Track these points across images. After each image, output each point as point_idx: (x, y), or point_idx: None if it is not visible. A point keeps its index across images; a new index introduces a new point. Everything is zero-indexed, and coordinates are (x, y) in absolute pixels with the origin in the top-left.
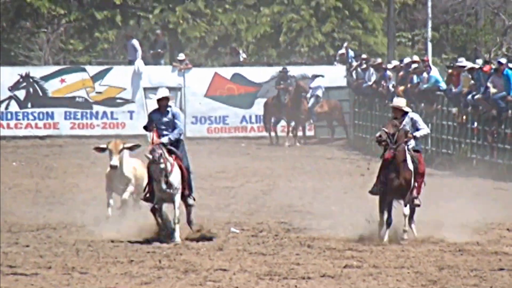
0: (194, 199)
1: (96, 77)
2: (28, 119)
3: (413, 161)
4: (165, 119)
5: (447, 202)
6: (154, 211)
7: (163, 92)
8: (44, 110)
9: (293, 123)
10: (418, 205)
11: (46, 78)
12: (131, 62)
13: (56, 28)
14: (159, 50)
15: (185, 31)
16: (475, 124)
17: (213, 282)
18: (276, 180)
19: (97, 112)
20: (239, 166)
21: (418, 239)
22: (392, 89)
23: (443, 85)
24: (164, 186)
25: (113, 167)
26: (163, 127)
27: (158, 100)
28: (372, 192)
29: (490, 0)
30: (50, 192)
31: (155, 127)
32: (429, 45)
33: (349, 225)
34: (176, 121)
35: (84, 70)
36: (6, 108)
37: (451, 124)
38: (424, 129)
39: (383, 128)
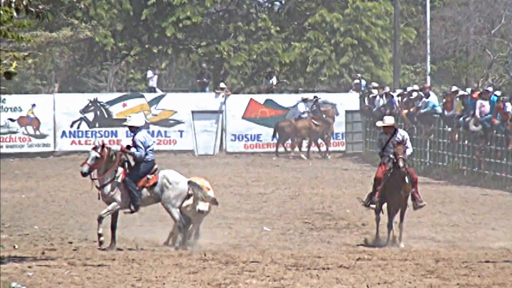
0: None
1: (152, 102)
2: (96, 136)
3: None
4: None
5: (442, 206)
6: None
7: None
8: (109, 129)
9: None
10: (423, 206)
11: (111, 102)
12: (150, 89)
13: (119, 61)
14: (204, 80)
15: (228, 60)
16: (466, 141)
17: (249, 272)
18: (301, 187)
19: (153, 131)
20: (270, 176)
21: (417, 236)
22: (397, 112)
23: (439, 109)
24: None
25: (201, 212)
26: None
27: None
28: (368, 205)
29: (478, 38)
30: None
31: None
32: (428, 76)
33: (361, 225)
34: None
35: (142, 96)
36: (78, 127)
37: (446, 141)
38: (410, 149)
39: (401, 156)
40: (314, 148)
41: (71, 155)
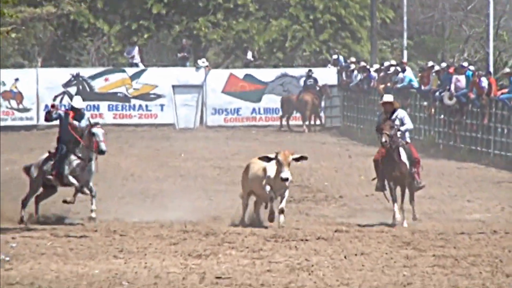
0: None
1: (134, 77)
2: None
3: (406, 154)
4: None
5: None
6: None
7: (79, 103)
8: (91, 103)
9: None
10: (422, 187)
11: (93, 77)
12: (132, 64)
13: (101, 37)
14: (185, 54)
15: (206, 35)
16: (442, 115)
17: (228, 243)
18: None
19: (134, 105)
20: (249, 149)
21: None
22: (375, 87)
23: (415, 84)
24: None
25: (284, 180)
26: None
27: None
28: (378, 189)
29: (454, 14)
30: (98, 168)
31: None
32: (405, 51)
33: (339, 197)
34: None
35: (124, 71)
36: (61, 101)
37: (422, 115)
38: (408, 124)
39: (385, 132)
40: (292, 121)
41: (54, 128)
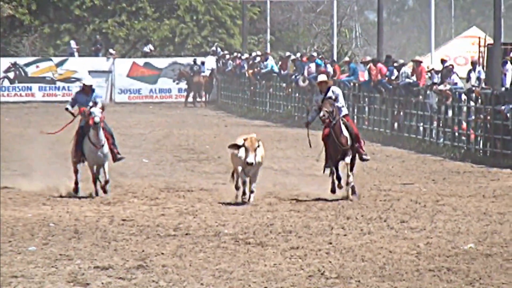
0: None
1: (58, 64)
2: (15, 91)
3: (347, 128)
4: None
5: (279, 143)
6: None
7: (89, 80)
8: (26, 85)
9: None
10: (368, 159)
11: (27, 64)
12: (71, 54)
13: (34, 33)
14: (98, 46)
15: (113, 33)
16: (297, 94)
17: (132, 193)
18: (172, 129)
19: (59, 86)
20: (148, 120)
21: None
22: (245, 72)
23: (276, 69)
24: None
25: (249, 164)
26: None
27: (85, 85)
28: (326, 168)
29: (307, 15)
30: (29, 137)
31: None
32: (268, 44)
33: (217, 157)
34: (97, 99)
35: (51, 60)
36: (1, 84)
37: (282, 94)
38: (344, 109)
39: (324, 109)
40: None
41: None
